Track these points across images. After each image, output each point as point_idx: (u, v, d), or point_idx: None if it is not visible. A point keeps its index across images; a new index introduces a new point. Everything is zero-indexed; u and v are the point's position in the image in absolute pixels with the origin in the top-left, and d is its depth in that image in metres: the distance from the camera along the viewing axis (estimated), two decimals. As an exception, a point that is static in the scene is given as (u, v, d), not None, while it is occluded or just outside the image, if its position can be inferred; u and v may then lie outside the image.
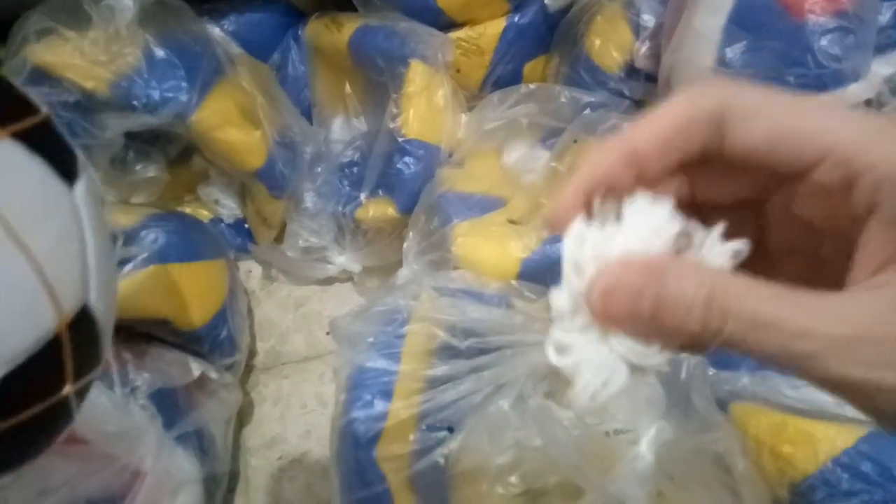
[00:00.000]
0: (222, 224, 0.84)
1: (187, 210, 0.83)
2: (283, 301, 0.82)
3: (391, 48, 0.73)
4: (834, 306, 0.15)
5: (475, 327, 0.43)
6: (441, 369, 0.43)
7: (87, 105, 0.66)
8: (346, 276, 0.82)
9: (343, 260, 0.78)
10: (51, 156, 0.27)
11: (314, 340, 0.79)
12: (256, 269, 0.84)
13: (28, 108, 0.29)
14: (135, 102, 0.65)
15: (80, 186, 0.29)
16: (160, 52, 0.67)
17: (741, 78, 0.57)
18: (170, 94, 0.66)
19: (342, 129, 0.85)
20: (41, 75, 0.65)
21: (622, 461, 0.42)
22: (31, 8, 0.66)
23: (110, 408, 0.51)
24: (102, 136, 0.67)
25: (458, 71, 0.82)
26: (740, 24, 0.58)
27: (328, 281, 0.82)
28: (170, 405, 0.56)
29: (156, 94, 0.65)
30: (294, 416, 0.73)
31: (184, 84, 0.66)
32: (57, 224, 0.27)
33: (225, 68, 0.73)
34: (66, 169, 0.28)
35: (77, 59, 0.65)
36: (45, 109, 0.29)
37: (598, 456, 0.41)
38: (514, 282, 0.58)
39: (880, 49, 0.54)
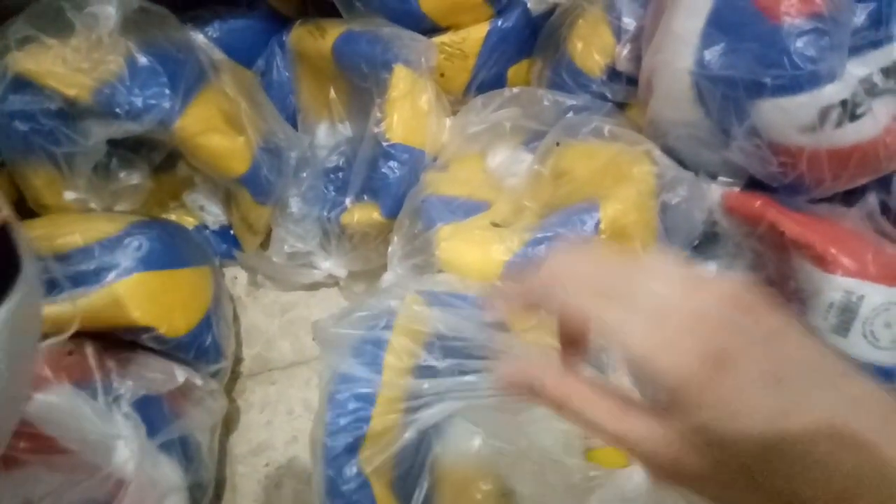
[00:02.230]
0: (207, 231, 0.84)
1: (172, 217, 0.83)
2: (269, 307, 0.82)
3: (375, 53, 0.73)
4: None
5: (456, 346, 0.44)
6: (420, 385, 0.43)
7: (70, 113, 0.66)
8: (333, 281, 0.82)
9: (329, 265, 0.78)
10: None
11: (301, 346, 0.79)
12: (242, 276, 0.84)
13: None
14: (117, 110, 0.65)
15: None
16: (143, 60, 0.67)
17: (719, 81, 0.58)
18: (152, 102, 0.65)
19: (327, 135, 0.85)
20: (23, 83, 0.64)
21: (610, 484, 0.42)
22: (13, 16, 0.66)
23: (93, 417, 0.51)
24: (85, 143, 0.67)
25: (442, 75, 0.82)
26: (718, 26, 0.58)
27: (314, 286, 0.82)
28: (154, 413, 0.56)
29: (138, 102, 0.65)
30: (281, 423, 0.73)
31: (167, 91, 0.66)
32: None
33: (208, 75, 0.73)
34: None
35: (59, 66, 0.64)
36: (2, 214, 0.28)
37: (581, 480, 0.41)
38: (497, 283, 0.58)
39: (855, 50, 0.55)
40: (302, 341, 0.79)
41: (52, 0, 0.66)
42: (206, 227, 0.84)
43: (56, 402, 0.51)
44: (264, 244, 0.83)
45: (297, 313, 0.81)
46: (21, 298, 0.28)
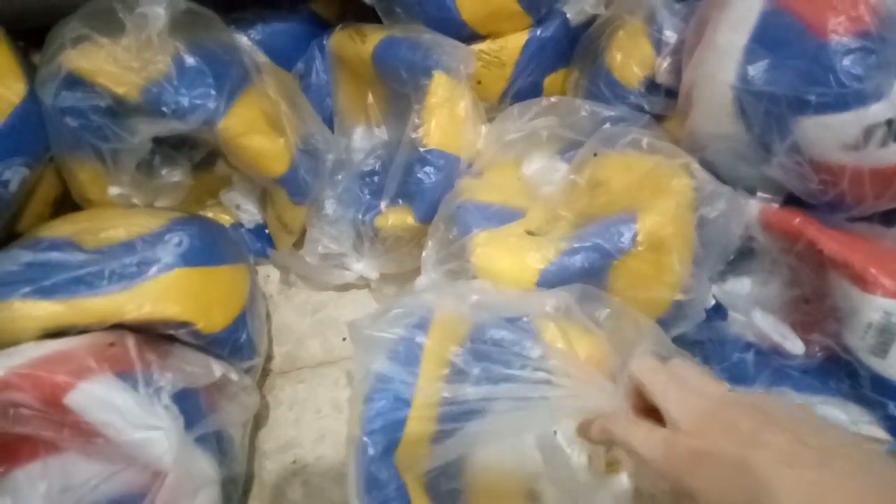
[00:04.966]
0: (242, 229, 0.85)
1: (209, 214, 0.85)
2: (300, 306, 0.83)
3: (415, 60, 0.74)
4: None
5: (490, 352, 0.44)
6: (454, 390, 0.44)
7: (118, 110, 0.67)
8: (364, 283, 0.82)
9: (361, 267, 0.79)
10: None
11: (330, 346, 0.79)
12: (275, 274, 0.86)
13: None
14: (164, 108, 0.66)
15: None
16: (190, 60, 0.68)
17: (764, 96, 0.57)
18: (198, 101, 0.67)
19: (363, 138, 0.86)
20: (75, 80, 0.66)
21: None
22: (68, 15, 0.68)
23: (134, 408, 0.52)
24: (132, 140, 0.68)
25: (479, 82, 0.83)
26: (763, 42, 0.58)
27: (345, 287, 0.83)
28: (191, 406, 0.57)
29: (185, 101, 0.67)
30: (309, 421, 0.74)
31: (212, 91, 0.68)
32: None
33: (251, 76, 0.74)
34: None
35: (110, 65, 0.66)
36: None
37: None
38: (532, 290, 0.59)
39: (903, 69, 0.55)
40: (331, 341, 0.80)
41: (106, 0, 0.67)
42: (241, 225, 0.85)
43: (99, 391, 0.52)
44: (298, 244, 0.84)
45: (327, 313, 0.82)
46: None
